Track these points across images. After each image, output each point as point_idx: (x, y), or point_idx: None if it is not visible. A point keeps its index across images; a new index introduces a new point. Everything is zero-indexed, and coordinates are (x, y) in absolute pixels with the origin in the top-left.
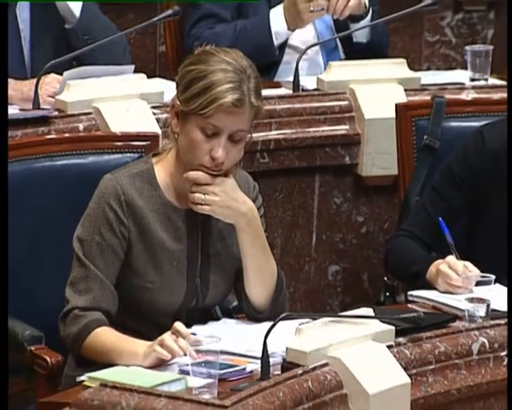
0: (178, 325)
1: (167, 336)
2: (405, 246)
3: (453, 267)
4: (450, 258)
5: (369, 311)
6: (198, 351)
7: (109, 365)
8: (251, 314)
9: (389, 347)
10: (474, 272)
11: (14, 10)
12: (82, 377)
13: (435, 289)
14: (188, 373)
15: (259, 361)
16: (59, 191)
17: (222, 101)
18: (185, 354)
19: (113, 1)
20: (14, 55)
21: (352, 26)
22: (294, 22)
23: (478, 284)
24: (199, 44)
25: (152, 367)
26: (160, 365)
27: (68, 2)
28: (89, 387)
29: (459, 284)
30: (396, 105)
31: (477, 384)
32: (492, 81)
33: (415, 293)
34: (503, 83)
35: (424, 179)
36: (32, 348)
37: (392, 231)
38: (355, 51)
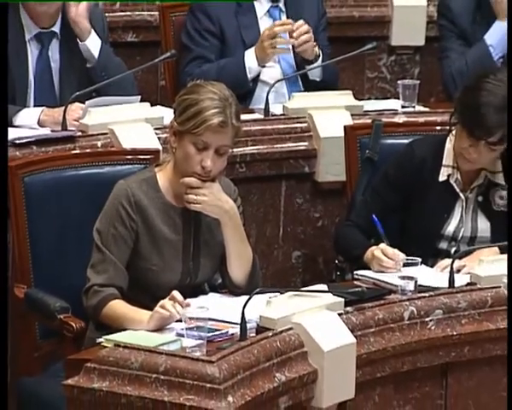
0: (175, 293)
1: (167, 301)
2: (350, 233)
3: (384, 252)
4: (383, 245)
5: (323, 287)
6: (191, 318)
7: (121, 329)
8: (232, 290)
9: (339, 314)
10: (401, 256)
11: (47, 52)
12: (100, 339)
13: (370, 269)
14: (183, 336)
15: (239, 326)
16: (82, 194)
17: (210, 122)
18: (180, 320)
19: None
20: (46, 87)
21: (308, 66)
22: (262, 57)
23: (407, 265)
24: (191, 79)
25: (155, 331)
26: (161, 329)
27: (89, 47)
28: (106, 347)
29: (389, 265)
30: (344, 127)
31: (407, 343)
32: (419, 108)
33: (359, 273)
34: (427, 109)
35: (366, 184)
36: (61, 317)
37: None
38: (311, 86)
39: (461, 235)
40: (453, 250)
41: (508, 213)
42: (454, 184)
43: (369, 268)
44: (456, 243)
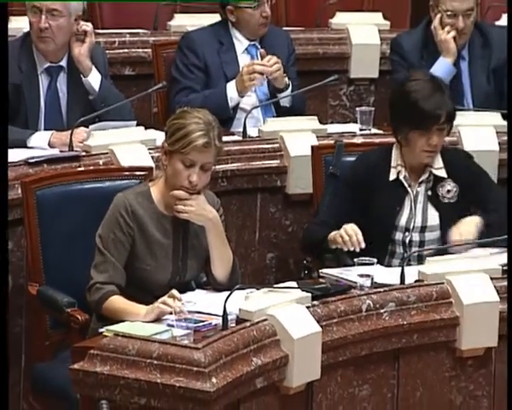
0: (174, 292)
1: (168, 298)
2: (316, 229)
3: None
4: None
5: (293, 284)
6: (180, 311)
7: (120, 321)
8: (215, 286)
9: (307, 307)
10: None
11: (56, 84)
12: (102, 330)
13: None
14: (173, 326)
15: (221, 318)
16: (86, 205)
17: (196, 143)
18: (170, 313)
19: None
20: (55, 114)
21: (279, 95)
22: (241, 89)
23: (364, 264)
24: (179, 107)
25: (149, 322)
26: (155, 321)
27: (91, 82)
28: (107, 336)
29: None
30: (311, 147)
31: (365, 332)
32: (374, 131)
33: (324, 271)
34: (381, 132)
35: (330, 195)
36: (68, 311)
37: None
38: (282, 112)
39: (412, 225)
40: (407, 239)
41: (508, 210)
42: (403, 180)
43: (331, 251)
44: (409, 232)
